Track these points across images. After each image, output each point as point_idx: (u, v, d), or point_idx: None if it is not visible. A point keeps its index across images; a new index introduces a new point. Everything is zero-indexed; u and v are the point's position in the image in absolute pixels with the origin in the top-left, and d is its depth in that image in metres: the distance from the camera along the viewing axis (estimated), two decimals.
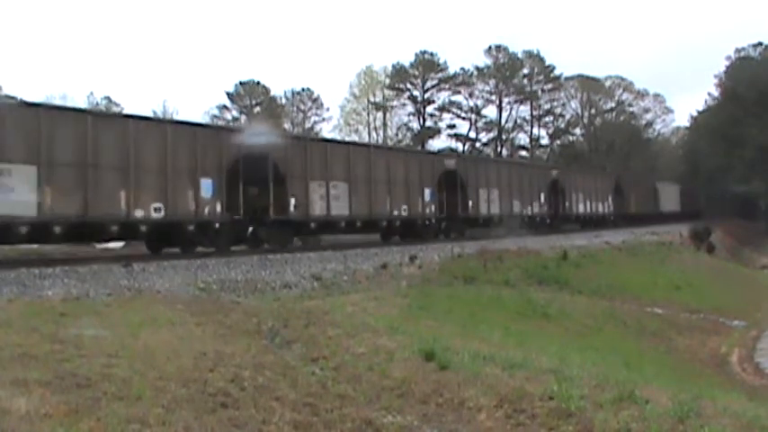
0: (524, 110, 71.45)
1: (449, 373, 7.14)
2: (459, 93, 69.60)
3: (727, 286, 29.75)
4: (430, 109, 69.65)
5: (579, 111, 73.30)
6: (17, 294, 10.68)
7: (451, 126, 70.39)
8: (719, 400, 7.12)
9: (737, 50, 66.38)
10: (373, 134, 66.35)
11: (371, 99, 67.21)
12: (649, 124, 76.25)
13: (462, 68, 69.03)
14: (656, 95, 75.13)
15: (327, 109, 70.42)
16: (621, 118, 73.52)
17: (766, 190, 58.13)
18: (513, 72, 69.76)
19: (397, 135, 67.41)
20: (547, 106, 72.49)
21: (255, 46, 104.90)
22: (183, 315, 9.29)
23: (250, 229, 19.64)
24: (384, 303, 13.22)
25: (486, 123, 71.00)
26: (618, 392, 6.35)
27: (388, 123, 67.29)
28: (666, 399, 6.33)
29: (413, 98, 68.64)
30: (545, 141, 74.51)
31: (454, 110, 70.17)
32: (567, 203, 37.10)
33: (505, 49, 69.43)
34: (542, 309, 16.34)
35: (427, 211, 25.56)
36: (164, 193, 16.67)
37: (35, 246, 19.39)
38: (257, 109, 66.73)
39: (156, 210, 16.51)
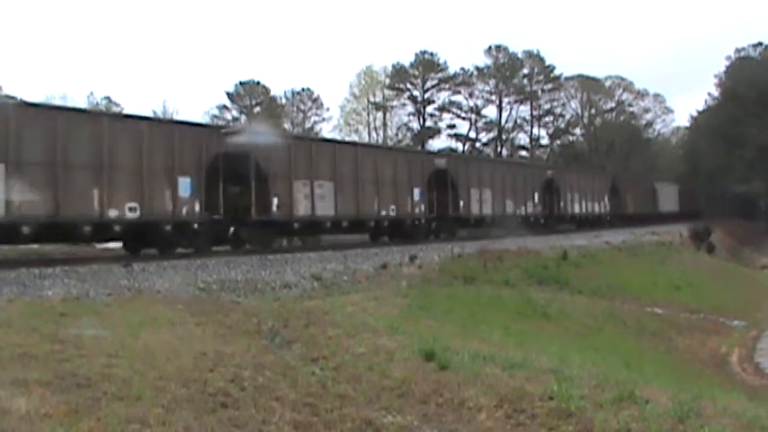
0: (524, 110, 71.62)
1: (449, 373, 7.15)
2: (459, 93, 69.73)
3: (727, 286, 29.76)
4: (430, 109, 69.77)
5: (579, 111, 73.32)
6: (17, 294, 10.68)
7: (451, 126, 70.56)
8: (719, 400, 7.13)
9: (737, 50, 66.50)
10: (373, 134, 66.50)
11: (371, 99, 67.27)
12: (649, 124, 76.28)
13: (462, 68, 69.18)
14: (656, 95, 75.25)
15: (327, 109, 70.57)
16: (621, 118, 73.52)
17: (766, 190, 58.14)
18: (513, 72, 69.78)
19: (396, 135, 67.47)
20: (547, 106, 72.53)
21: (255, 46, 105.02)
22: (182, 315, 9.30)
23: (231, 229, 19.15)
24: (384, 303, 13.23)
25: (486, 123, 71.08)
26: (618, 392, 6.35)
27: (388, 123, 67.39)
28: (666, 399, 6.33)
29: (413, 98, 68.69)
30: (545, 141, 74.65)
31: (454, 110, 70.28)
32: (561, 203, 36.72)
33: (505, 49, 69.53)
34: (542, 309, 16.34)
35: (416, 211, 25.17)
36: (139, 193, 16.18)
37: (35, 246, 19.37)
38: (257, 109, 66.74)
39: (131, 209, 16.05)
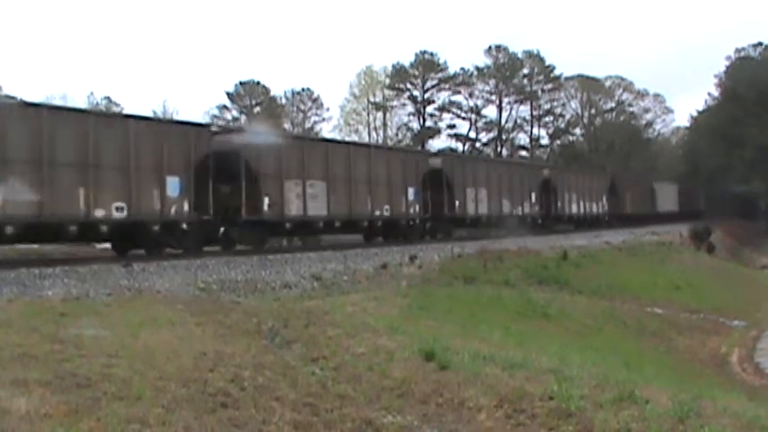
0: (524, 110, 71.64)
1: (449, 373, 7.15)
2: (459, 93, 69.76)
3: (727, 286, 29.76)
4: (430, 109, 69.80)
5: (579, 111, 73.33)
6: (17, 294, 10.68)
7: (451, 126, 70.59)
8: (719, 400, 7.13)
9: (737, 50, 66.54)
10: (373, 134, 66.48)
11: (371, 99, 67.25)
12: (649, 124, 76.28)
13: (462, 68, 69.20)
14: (656, 95, 75.23)
15: (327, 109, 70.58)
16: (621, 118, 73.53)
17: (766, 190, 58.18)
18: (513, 72, 69.80)
19: (397, 135, 67.49)
20: (547, 106, 72.55)
21: (255, 46, 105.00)
22: (183, 315, 9.30)
23: (222, 229, 18.94)
24: (384, 303, 13.23)
25: (486, 123, 71.10)
26: (618, 392, 6.35)
27: (388, 123, 67.38)
28: (666, 399, 6.33)
29: (413, 98, 68.71)
30: (545, 141, 74.67)
31: (454, 110, 70.30)
32: (559, 203, 36.50)
33: (505, 49, 69.53)
34: (542, 309, 16.35)
35: (411, 211, 24.94)
36: (126, 192, 15.90)
37: (35, 245, 19.37)
38: (257, 109, 66.76)
39: (118, 209, 15.76)
